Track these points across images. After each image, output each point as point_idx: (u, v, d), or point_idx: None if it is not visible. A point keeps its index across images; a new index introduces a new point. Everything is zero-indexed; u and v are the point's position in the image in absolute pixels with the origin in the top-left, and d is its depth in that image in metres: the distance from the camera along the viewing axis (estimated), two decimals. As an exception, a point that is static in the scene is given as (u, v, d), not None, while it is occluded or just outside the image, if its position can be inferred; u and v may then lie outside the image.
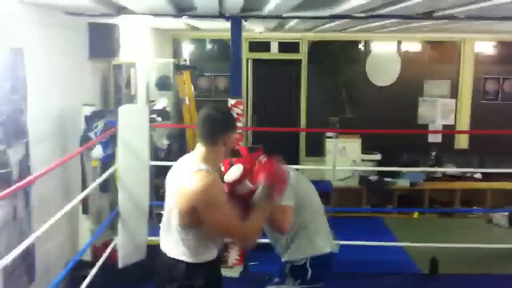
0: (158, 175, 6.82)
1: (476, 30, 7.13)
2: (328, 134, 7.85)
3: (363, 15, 4.52)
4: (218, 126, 2.51)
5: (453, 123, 8.68)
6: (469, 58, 8.55)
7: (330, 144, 7.60)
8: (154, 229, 5.38)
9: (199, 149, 2.53)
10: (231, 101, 4.87)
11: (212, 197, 2.37)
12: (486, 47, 8.71)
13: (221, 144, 2.51)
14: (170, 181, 2.59)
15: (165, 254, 2.59)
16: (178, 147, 6.96)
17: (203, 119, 2.53)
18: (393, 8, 4.06)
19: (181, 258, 2.51)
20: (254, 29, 7.30)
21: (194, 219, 2.41)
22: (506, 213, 7.09)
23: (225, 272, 4.73)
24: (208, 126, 2.51)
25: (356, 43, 8.82)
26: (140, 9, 4.46)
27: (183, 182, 2.43)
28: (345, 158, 7.62)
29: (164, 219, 2.61)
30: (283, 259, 3.20)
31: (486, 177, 7.78)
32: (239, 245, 2.83)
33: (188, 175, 2.43)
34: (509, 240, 6.26)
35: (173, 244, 2.54)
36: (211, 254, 2.56)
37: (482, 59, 8.69)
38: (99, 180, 4.18)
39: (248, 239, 2.56)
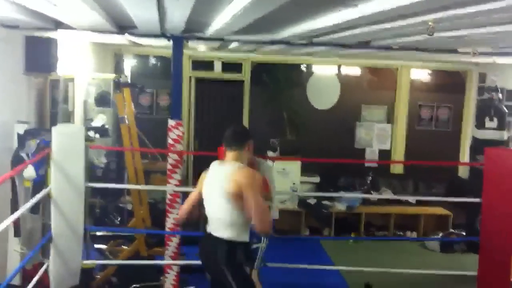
0: (95, 194, 6.67)
1: (412, 58, 7.41)
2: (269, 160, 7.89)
3: (303, 42, 4.61)
4: (244, 137, 3.59)
5: (389, 148, 8.93)
6: (405, 84, 8.83)
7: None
8: (89, 252, 5.26)
9: (230, 154, 3.53)
10: (171, 122, 4.82)
11: (256, 183, 3.32)
12: (422, 75, 9.04)
13: (245, 149, 3.53)
14: (214, 181, 3.46)
15: (211, 235, 3.46)
16: (116, 166, 6.80)
17: (233, 133, 3.59)
18: (331, 36, 4.16)
19: (228, 238, 3.39)
20: (197, 48, 7.29)
21: (240, 203, 3.29)
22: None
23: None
24: (237, 137, 3.56)
25: (298, 66, 8.96)
26: (79, 25, 4.37)
27: (234, 175, 3.34)
28: (285, 179, 7.69)
29: (212, 208, 3.47)
30: None
31: (420, 202, 8.03)
32: (260, 229, 3.31)
33: (235, 170, 3.37)
34: (441, 266, 6.46)
35: (223, 227, 3.40)
36: (247, 237, 3.48)
37: (417, 86, 9.01)
38: (32, 201, 4.02)
39: (268, 224, 3.32)
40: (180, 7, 3.11)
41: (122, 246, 6.05)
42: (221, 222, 3.42)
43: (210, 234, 3.49)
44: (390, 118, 8.97)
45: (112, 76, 6.63)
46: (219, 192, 3.37)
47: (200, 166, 8.60)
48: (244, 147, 3.54)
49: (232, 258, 3.37)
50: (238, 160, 3.49)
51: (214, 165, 3.59)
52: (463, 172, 8.58)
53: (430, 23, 2.71)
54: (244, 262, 3.45)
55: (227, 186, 3.33)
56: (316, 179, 8.23)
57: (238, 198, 3.30)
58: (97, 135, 6.20)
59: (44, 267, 4.25)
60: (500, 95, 7.10)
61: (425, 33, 3.13)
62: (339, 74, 8.93)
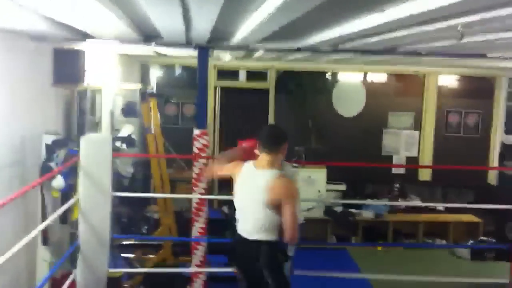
0: (121, 203, 6.72)
1: (440, 64, 7.31)
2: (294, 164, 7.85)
3: (328, 48, 4.58)
4: (281, 140, 3.45)
5: (416, 155, 8.81)
6: (432, 91, 8.73)
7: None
8: (115, 261, 5.29)
9: (265, 157, 3.41)
10: (196, 132, 4.83)
11: (295, 195, 3.36)
12: (449, 81, 8.92)
13: (281, 152, 3.43)
14: (250, 186, 3.40)
15: (247, 240, 3.43)
16: (143, 176, 6.86)
17: (269, 134, 3.51)
18: (357, 43, 4.13)
19: (268, 240, 3.38)
20: (222, 57, 7.32)
21: (278, 209, 3.29)
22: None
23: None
24: (275, 140, 3.44)
25: (323, 73, 8.93)
26: (106, 36, 4.42)
27: (273, 185, 3.31)
28: (311, 187, 7.64)
29: (247, 213, 3.44)
30: None
31: (449, 209, 7.90)
32: (290, 238, 3.29)
33: (275, 179, 3.33)
34: (471, 273, 6.33)
35: (261, 231, 3.38)
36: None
37: (445, 92, 8.89)
38: (60, 211, 4.07)
39: (296, 234, 3.29)
40: (205, 15, 3.11)
41: (149, 255, 6.07)
42: (259, 226, 3.39)
43: (246, 239, 3.44)
44: (417, 125, 8.86)
45: (138, 86, 6.70)
46: (258, 199, 3.34)
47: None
48: (280, 150, 3.44)
49: (274, 260, 3.39)
50: (274, 164, 3.41)
51: (250, 167, 3.48)
52: (492, 178, 8.41)
53: (459, 28, 2.66)
54: (283, 262, 3.47)
55: (266, 195, 3.31)
56: (342, 187, 8.15)
57: (276, 205, 3.30)
58: (124, 145, 6.24)
59: (72, 276, 4.28)
60: (530, 100, 6.96)
61: (453, 38, 3.08)
62: (364, 81, 8.88)
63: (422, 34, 3.40)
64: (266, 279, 3.35)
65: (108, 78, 6.62)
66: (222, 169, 3.69)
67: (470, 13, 2.67)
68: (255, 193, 3.36)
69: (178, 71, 9.15)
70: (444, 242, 7.85)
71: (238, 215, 3.52)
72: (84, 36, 4.36)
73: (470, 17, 2.73)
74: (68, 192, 4.38)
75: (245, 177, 3.46)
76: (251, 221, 3.42)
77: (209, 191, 6.59)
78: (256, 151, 3.49)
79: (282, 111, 8.74)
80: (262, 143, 3.44)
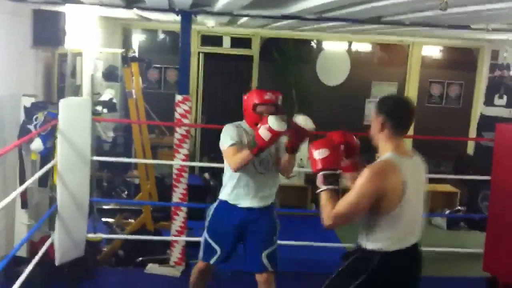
0: (102, 168, 6.70)
1: (424, 34, 7.30)
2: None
3: (313, 17, 4.54)
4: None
5: (398, 125, 8.86)
6: (416, 61, 8.75)
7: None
8: (95, 225, 5.30)
9: (401, 141, 2.58)
10: (179, 97, 4.79)
11: None
12: (433, 51, 8.93)
13: None
14: (418, 182, 2.61)
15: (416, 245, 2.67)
16: (124, 140, 6.82)
17: (412, 114, 2.58)
18: (342, 12, 4.10)
19: None
20: (206, 23, 7.23)
21: None
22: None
23: (166, 271, 4.74)
24: (412, 121, 2.59)
25: (308, 41, 8.88)
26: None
27: (424, 168, 2.70)
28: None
29: (418, 214, 2.66)
30: None
31: (428, 179, 7.98)
32: None
33: (425, 166, 2.71)
34: (447, 242, 6.45)
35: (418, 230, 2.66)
36: None
37: (428, 63, 8.91)
38: (38, 174, 4.04)
39: None
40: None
41: (129, 219, 6.09)
42: (419, 225, 2.70)
43: (415, 246, 2.69)
44: (400, 95, 8.88)
45: (120, 50, 6.61)
46: (423, 192, 2.68)
47: (207, 141, 8.65)
48: None
49: None
50: None
51: (402, 161, 2.54)
52: (471, 149, 8.52)
53: (443, -2, 2.65)
54: None
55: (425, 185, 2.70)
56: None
57: None
58: (105, 110, 6.20)
59: (50, 239, 4.29)
60: (511, 73, 7.00)
61: (438, 8, 3.06)
62: (349, 50, 8.85)
63: (407, 3, 3.38)
64: None
65: (89, 41, 6.51)
66: (369, 200, 2.49)
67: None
68: (422, 187, 2.68)
69: (161, 35, 9.03)
70: (421, 211, 7.96)
71: (408, 225, 2.60)
72: (64, -2, 4.27)
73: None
74: (47, 155, 4.34)
75: (409, 176, 2.52)
76: (419, 223, 2.70)
77: (190, 157, 6.60)
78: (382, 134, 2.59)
79: (266, 79, 8.71)
80: (404, 124, 2.58)
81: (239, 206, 3.48)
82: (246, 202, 3.47)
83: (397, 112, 2.56)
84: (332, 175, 2.61)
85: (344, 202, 2.49)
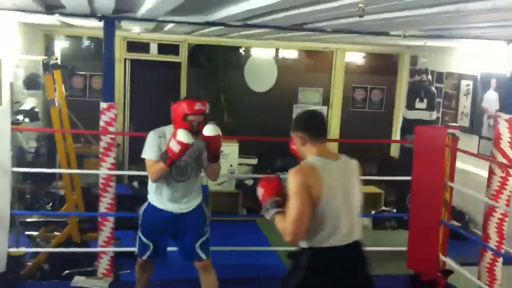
0: (25, 180, 6.45)
1: (347, 41, 7.54)
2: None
3: (238, 23, 4.58)
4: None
5: (325, 129, 9.08)
6: (340, 67, 9.00)
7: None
8: (18, 239, 5.09)
9: (325, 146, 2.88)
10: (103, 105, 4.69)
11: None
12: (356, 58, 9.23)
13: None
14: (344, 182, 2.78)
15: (350, 246, 2.78)
16: (47, 150, 6.60)
17: (323, 121, 3.01)
18: (266, 18, 4.16)
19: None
20: (132, 29, 7.13)
21: None
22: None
23: (94, 283, 4.61)
24: (325, 126, 3.03)
25: (236, 48, 8.94)
26: (3, 5, 4.17)
27: (355, 168, 2.91)
28: (223, 161, 7.66)
29: (346, 215, 2.77)
30: None
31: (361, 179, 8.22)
32: None
33: (355, 164, 2.93)
34: (373, 242, 6.63)
35: (356, 230, 2.83)
36: None
37: (352, 68, 9.20)
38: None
39: None
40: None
41: (55, 232, 5.89)
42: (355, 225, 2.83)
43: (348, 244, 2.80)
44: (325, 100, 9.12)
45: (41, 58, 6.40)
46: (357, 192, 2.86)
47: (135, 149, 8.47)
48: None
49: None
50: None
51: (325, 163, 2.76)
52: (394, 151, 8.86)
53: (360, 5, 2.76)
54: None
55: (358, 184, 2.90)
56: (254, 161, 8.28)
57: None
58: (27, 119, 5.97)
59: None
60: (430, 77, 7.34)
61: (356, 16, 3.18)
62: (276, 57, 8.99)
63: (326, 10, 3.48)
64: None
65: (8, 48, 6.27)
66: (305, 201, 2.66)
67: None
68: (353, 187, 2.85)
69: (85, 42, 8.82)
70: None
71: (331, 223, 2.74)
72: (-22, 2, 4.09)
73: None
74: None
75: (328, 176, 2.72)
76: (349, 223, 2.79)
77: (118, 166, 6.46)
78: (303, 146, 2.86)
79: (194, 85, 8.69)
80: (320, 131, 2.89)
81: (165, 210, 3.68)
82: (169, 207, 3.68)
83: (311, 124, 2.88)
84: (276, 201, 2.84)
85: (289, 211, 2.67)
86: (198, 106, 3.54)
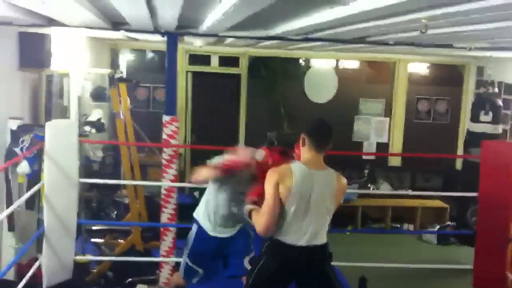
0: (91, 188, 6.67)
1: (410, 52, 7.38)
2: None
3: (298, 37, 4.59)
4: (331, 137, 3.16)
5: (387, 141, 8.92)
6: (403, 78, 8.82)
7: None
8: (84, 246, 5.28)
9: (319, 158, 3.12)
10: (166, 118, 4.81)
11: None
12: (420, 68, 9.01)
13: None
14: (316, 191, 3.06)
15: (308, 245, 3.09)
16: (113, 160, 6.82)
17: (328, 132, 3.16)
18: (327, 32, 4.14)
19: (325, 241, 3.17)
20: (193, 42, 7.27)
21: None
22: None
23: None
24: (330, 139, 3.15)
25: (296, 59, 8.93)
26: (72, 23, 4.35)
27: (338, 186, 3.13)
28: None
29: (309, 220, 3.08)
30: None
31: (418, 194, 8.05)
32: None
33: (337, 179, 3.15)
34: (437, 258, 6.47)
35: (323, 232, 3.14)
36: None
37: (415, 79, 8.98)
38: (25, 197, 4.04)
39: None
40: (169, 3, 3.09)
41: (119, 240, 6.06)
42: (324, 229, 3.17)
43: (306, 246, 3.11)
44: (387, 112, 8.96)
45: (107, 71, 6.62)
46: (327, 204, 3.12)
47: (197, 159, 8.60)
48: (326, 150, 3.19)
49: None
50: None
51: (302, 170, 3.07)
52: (459, 164, 8.58)
53: (423, 20, 2.70)
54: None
55: (333, 198, 3.13)
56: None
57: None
58: (93, 130, 6.19)
59: (38, 262, 4.26)
60: (496, 89, 7.08)
61: (419, 30, 3.12)
62: (336, 68, 8.91)
63: (388, 25, 3.43)
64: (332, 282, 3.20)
65: (76, 62, 6.53)
66: (274, 197, 3.05)
67: (431, 8, 2.71)
68: (324, 198, 3.10)
69: (149, 54, 9.06)
70: (412, 226, 8.01)
71: (294, 224, 3.10)
72: (50, 21, 4.29)
73: (433, 11, 2.77)
74: (34, 177, 4.34)
75: (301, 182, 3.04)
76: (312, 228, 3.11)
77: (180, 175, 6.58)
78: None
79: (254, 97, 8.75)
80: (323, 142, 3.13)
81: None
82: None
83: (315, 131, 3.14)
84: (254, 201, 3.23)
85: (262, 206, 3.08)
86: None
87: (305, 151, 3.13)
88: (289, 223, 3.08)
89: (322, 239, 3.16)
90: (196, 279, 3.85)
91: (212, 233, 3.76)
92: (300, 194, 3.04)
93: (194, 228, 3.85)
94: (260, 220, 3.08)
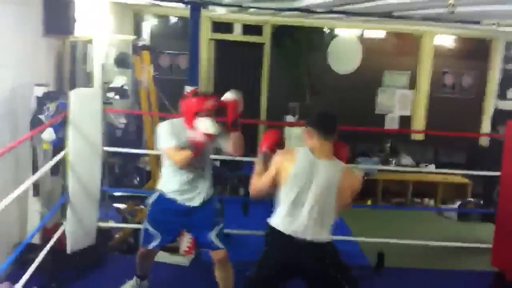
0: (114, 155, 6.77)
1: (437, 24, 7.23)
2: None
3: (322, 10, 4.53)
4: (336, 124, 3.13)
5: (409, 114, 8.83)
6: (428, 50, 8.66)
7: (290, 131, 7.65)
8: (107, 212, 5.39)
9: (328, 146, 3.08)
10: (187, 89, 4.82)
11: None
12: (446, 41, 8.84)
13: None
14: (318, 179, 3.01)
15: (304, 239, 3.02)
16: (135, 127, 6.89)
17: (332, 118, 3.15)
18: (352, 7, 4.09)
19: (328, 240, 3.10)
20: (216, 10, 7.21)
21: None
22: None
23: (175, 260, 4.80)
24: (334, 124, 3.12)
25: (320, 29, 8.81)
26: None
27: (346, 177, 3.06)
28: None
29: (313, 210, 3.03)
30: None
31: (439, 168, 8.02)
32: None
33: (345, 171, 3.08)
34: (457, 234, 6.45)
35: (325, 229, 3.08)
36: None
37: (441, 52, 8.82)
38: (50, 163, 4.11)
39: None
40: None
41: (141, 206, 6.16)
42: (317, 226, 3.07)
43: (303, 240, 3.06)
44: (412, 84, 8.84)
45: (131, 37, 6.63)
46: (329, 197, 3.06)
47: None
48: (334, 136, 3.15)
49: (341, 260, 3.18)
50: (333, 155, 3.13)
51: (309, 157, 3.07)
52: (484, 140, 8.48)
53: (450, 1, 2.63)
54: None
55: (338, 193, 3.06)
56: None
57: (340, 198, 3.10)
58: (117, 96, 6.25)
59: (63, 226, 4.37)
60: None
61: (446, 8, 3.05)
62: (361, 38, 8.76)
63: (415, 3, 3.37)
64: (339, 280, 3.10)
65: (100, 28, 6.53)
66: (270, 177, 3.16)
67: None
68: (324, 188, 3.06)
69: (173, 21, 9.02)
70: (432, 201, 7.99)
71: (289, 209, 3.10)
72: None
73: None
74: (60, 144, 4.40)
75: (302, 167, 3.05)
76: (311, 219, 3.07)
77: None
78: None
79: (277, 66, 8.69)
80: (326, 130, 3.10)
81: (178, 202, 3.69)
82: (185, 199, 3.69)
83: (320, 123, 3.12)
84: (266, 154, 3.28)
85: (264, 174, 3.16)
86: (210, 103, 3.52)
87: (311, 142, 3.11)
88: (288, 212, 3.07)
89: (323, 236, 3.09)
90: (155, 243, 3.78)
91: (170, 195, 3.68)
92: (299, 181, 3.03)
93: (154, 195, 3.81)
94: (253, 183, 3.22)
